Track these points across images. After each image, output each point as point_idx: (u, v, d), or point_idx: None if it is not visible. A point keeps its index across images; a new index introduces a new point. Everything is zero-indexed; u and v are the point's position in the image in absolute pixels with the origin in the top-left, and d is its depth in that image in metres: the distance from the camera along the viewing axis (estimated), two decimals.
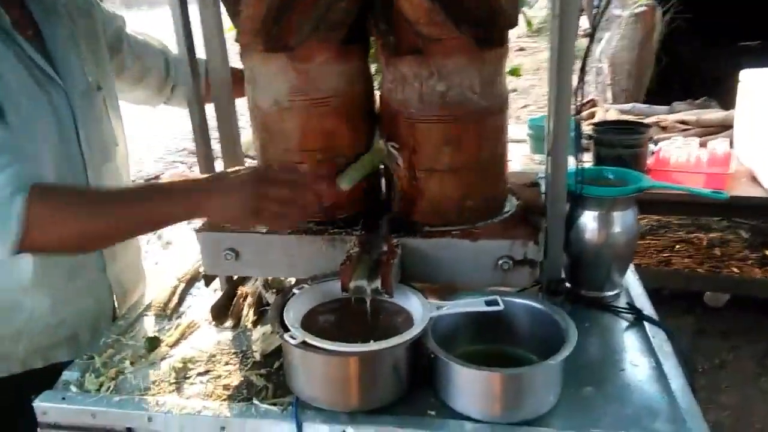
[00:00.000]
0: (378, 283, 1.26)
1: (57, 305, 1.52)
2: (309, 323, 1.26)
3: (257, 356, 1.39)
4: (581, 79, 1.40)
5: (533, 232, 1.36)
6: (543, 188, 1.57)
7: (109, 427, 1.26)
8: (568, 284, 1.55)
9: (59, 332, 1.54)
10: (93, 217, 1.23)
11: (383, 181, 1.53)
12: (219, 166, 1.62)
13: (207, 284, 1.52)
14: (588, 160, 3.02)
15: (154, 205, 1.24)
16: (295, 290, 1.30)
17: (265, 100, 1.41)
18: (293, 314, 1.23)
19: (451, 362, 1.13)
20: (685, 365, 1.29)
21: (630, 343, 1.39)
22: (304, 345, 1.14)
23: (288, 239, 1.41)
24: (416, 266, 1.37)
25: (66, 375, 1.34)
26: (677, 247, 4.22)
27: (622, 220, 1.46)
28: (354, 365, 1.16)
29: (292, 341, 1.13)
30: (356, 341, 1.24)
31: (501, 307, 1.27)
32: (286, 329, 1.18)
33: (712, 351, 3.40)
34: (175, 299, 1.62)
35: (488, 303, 1.28)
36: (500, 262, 1.33)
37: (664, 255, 4.12)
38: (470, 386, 1.15)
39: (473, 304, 1.29)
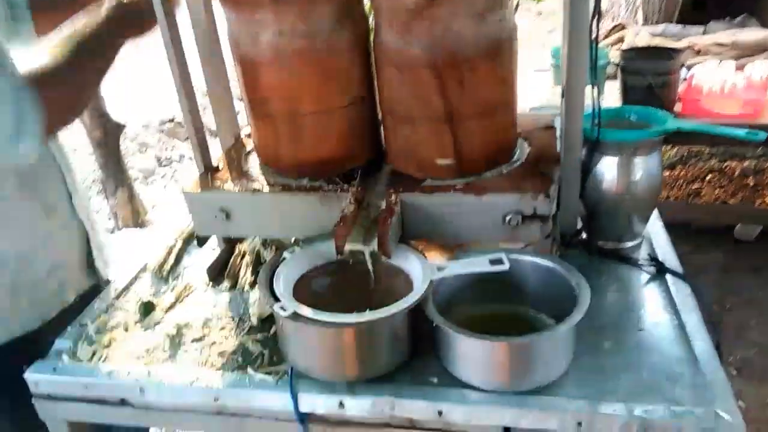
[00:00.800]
0: (375, 245, 1.17)
1: (37, 249, 1.43)
2: (301, 290, 1.18)
3: (254, 320, 1.33)
4: None
5: (544, 183, 1.24)
6: (558, 131, 1.43)
7: (101, 398, 1.23)
8: (584, 234, 1.45)
9: (48, 283, 1.47)
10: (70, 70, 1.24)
11: (382, 133, 1.41)
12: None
13: (200, 245, 1.45)
14: (614, 90, 2.85)
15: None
16: (285, 254, 1.22)
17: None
18: (284, 281, 1.15)
19: (453, 331, 1.05)
20: (711, 324, 1.19)
21: (650, 299, 1.29)
22: (296, 317, 1.06)
23: (280, 197, 1.32)
24: (417, 224, 1.27)
25: (58, 344, 1.31)
26: (708, 177, 4.02)
27: (645, 166, 1.33)
28: (349, 336, 1.09)
29: (283, 313, 1.06)
30: (352, 307, 1.17)
31: (506, 266, 1.17)
32: (277, 299, 1.11)
33: (741, 287, 3.28)
34: (171, 260, 1.56)
35: (492, 262, 1.18)
36: (508, 218, 1.22)
37: (694, 187, 3.93)
38: (474, 355, 1.07)
39: (476, 264, 1.19)
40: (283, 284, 1.14)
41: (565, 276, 1.17)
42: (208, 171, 1.44)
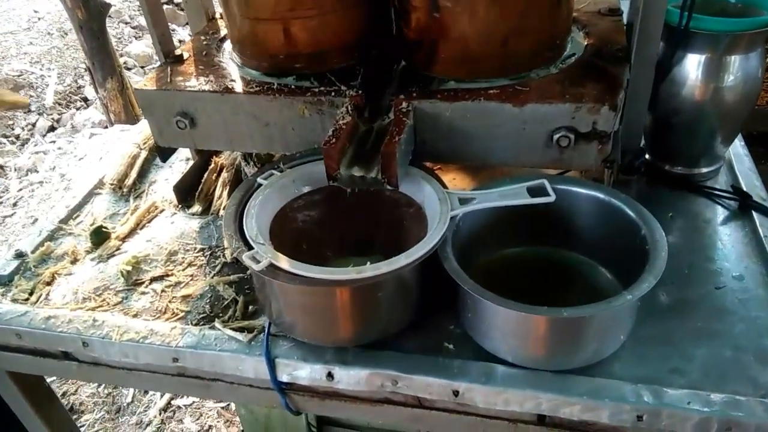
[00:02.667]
0: (378, 170, 0.88)
1: None
2: (282, 227, 0.91)
3: (228, 255, 1.08)
4: None
5: (609, 89, 0.92)
6: (626, 18, 1.08)
7: (40, 349, 1.01)
8: (646, 155, 1.14)
9: None
10: None
11: (392, 17, 1.07)
12: None
13: (163, 159, 1.17)
14: None
15: None
16: (260, 179, 0.93)
17: None
18: (258, 217, 0.87)
19: (481, 297, 0.77)
20: None
21: (732, 243, 1.00)
22: (273, 270, 0.79)
23: (257, 100, 1.01)
24: (435, 141, 0.97)
25: None
26: None
27: (742, 68, 0.99)
28: (343, 297, 0.83)
29: (255, 266, 0.79)
30: (347, 253, 0.90)
31: (552, 197, 0.88)
32: (248, 243, 0.83)
33: None
34: (134, 173, 1.28)
35: (532, 192, 0.89)
36: (557, 136, 0.91)
37: None
38: (507, 326, 0.81)
39: (512, 195, 0.90)
40: (257, 221, 0.86)
41: (630, 217, 0.88)
42: (169, 62, 1.12)
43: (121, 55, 4.53)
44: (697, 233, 1.03)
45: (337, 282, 0.79)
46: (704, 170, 1.10)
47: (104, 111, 3.75)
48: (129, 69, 4.46)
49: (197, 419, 2.12)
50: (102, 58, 3.54)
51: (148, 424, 2.10)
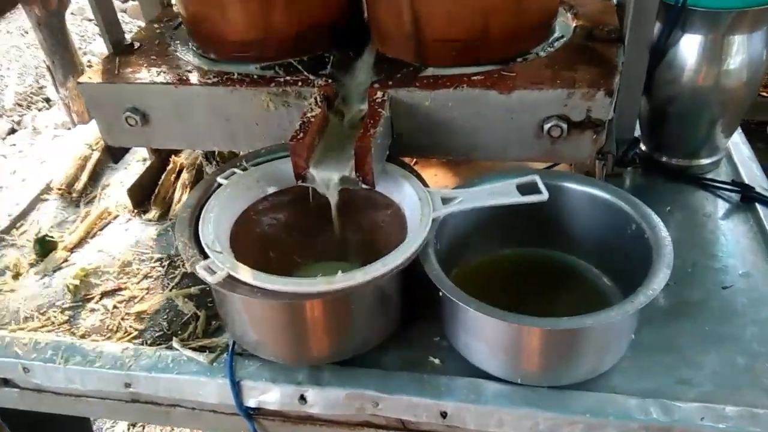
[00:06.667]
0: (351, 168, 0.79)
1: None
2: (244, 233, 0.81)
3: (188, 266, 0.97)
4: None
5: (603, 73, 0.84)
6: None
7: None
8: (642, 146, 1.07)
9: None
10: None
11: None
12: None
13: (114, 160, 1.06)
14: None
15: None
16: (220, 178, 0.83)
17: None
18: (217, 222, 0.77)
19: (469, 308, 0.69)
20: None
21: (736, 239, 0.93)
22: (232, 283, 0.70)
23: (216, 92, 0.91)
24: (413, 133, 0.88)
25: None
26: None
27: (746, 50, 0.91)
28: (313, 311, 0.73)
29: (210, 278, 0.69)
30: (318, 255, 0.82)
31: (545, 195, 0.79)
32: (204, 253, 0.73)
33: None
34: (85, 176, 1.17)
35: (523, 189, 0.80)
36: (548, 126, 0.83)
37: None
38: (498, 339, 0.72)
39: (500, 194, 0.81)
40: (215, 226, 0.76)
41: (628, 215, 0.80)
42: (118, 52, 1.02)
43: (84, 53, 4.36)
44: (698, 228, 0.95)
45: (306, 295, 0.69)
46: (704, 162, 1.02)
47: (66, 112, 3.59)
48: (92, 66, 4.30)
49: None
50: (62, 55, 3.38)
51: None
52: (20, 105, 4.04)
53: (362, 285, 0.69)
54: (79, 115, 3.54)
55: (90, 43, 4.71)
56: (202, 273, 0.69)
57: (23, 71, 4.32)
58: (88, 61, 4.26)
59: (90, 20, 4.88)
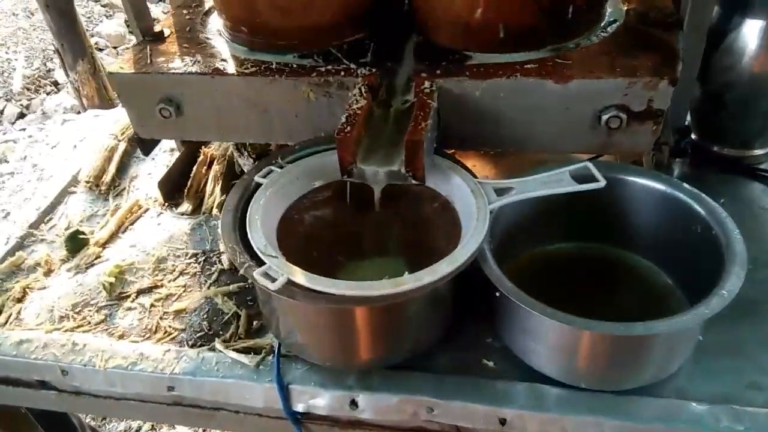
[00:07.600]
0: (400, 163, 0.75)
1: None
2: (287, 234, 0.77)
3: (225, 262, 0.94)
4: None
5: (665, 60, 0.79)
6: None
7: (13, 377, 0.87)
8: (692, 135, 1.02)
9: None
10: None
11: None
12: None
13: (145, 153, 1.02)
14: None
15: None
16: (258, 178, 0.79)
17: None
18: (263, 224, 0.73)
19: (532, 310, 0.65)
20: None
21: None
22: (291, 288, 0.66)
23: (253, 83, 0.87)
24: (461, 124, 0.84)
25: None
26: None
27: None
28: (368, 314, 0.70)
29: (271, 285, 0.65)
30: (364, 260, 0.78)
31: (602, 182, 0.76)
32: (257, 258, 0.69)
33: None
34: (112, 168, 1.13)
35: (578, 178, 0.77)
36: (606, 116, 0.79)
37: None
38: (559, 342, 0.69)
39: (555, 182, 0.77)
40: (263, 228, 0.73)
41: (693, 210, 0.76)
42: (148, 40, 0.97)
43: (92, 36, 4.29)
44: (756, 222, 0.91)
45: (371, 299, 0.66)
46: (757, 152, 0.98)
47: (76, 95, 3.54)
48: (101, 50, 4.23)
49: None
50: (71, 38, 3.32)
51: (137, 430, 1.97)
52: (28, 89, 4.00)
53: (431, 285, 0.65)
54: (89, 99, 3.49)
55: (96, 25, 4.64)
56: (262, 281, 0.65)
57: (30, 54, 4.26)
58: (96, 43, 4.20)
59: (96, 1, 4.81)
